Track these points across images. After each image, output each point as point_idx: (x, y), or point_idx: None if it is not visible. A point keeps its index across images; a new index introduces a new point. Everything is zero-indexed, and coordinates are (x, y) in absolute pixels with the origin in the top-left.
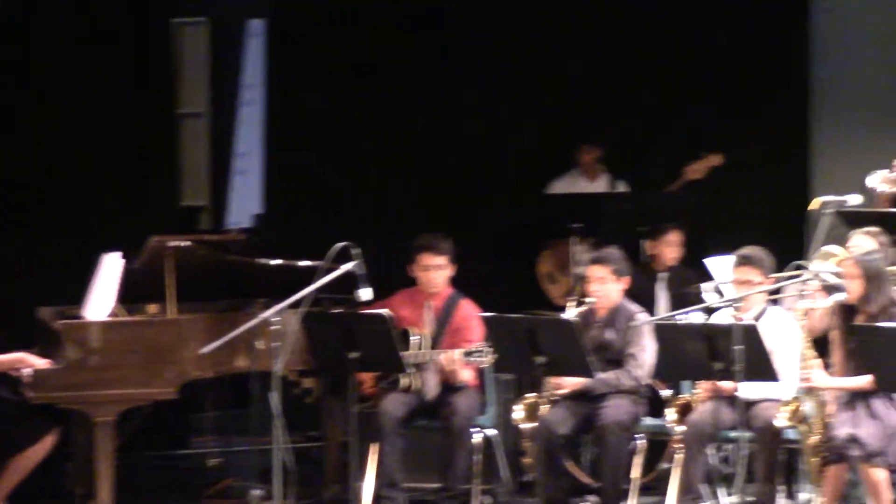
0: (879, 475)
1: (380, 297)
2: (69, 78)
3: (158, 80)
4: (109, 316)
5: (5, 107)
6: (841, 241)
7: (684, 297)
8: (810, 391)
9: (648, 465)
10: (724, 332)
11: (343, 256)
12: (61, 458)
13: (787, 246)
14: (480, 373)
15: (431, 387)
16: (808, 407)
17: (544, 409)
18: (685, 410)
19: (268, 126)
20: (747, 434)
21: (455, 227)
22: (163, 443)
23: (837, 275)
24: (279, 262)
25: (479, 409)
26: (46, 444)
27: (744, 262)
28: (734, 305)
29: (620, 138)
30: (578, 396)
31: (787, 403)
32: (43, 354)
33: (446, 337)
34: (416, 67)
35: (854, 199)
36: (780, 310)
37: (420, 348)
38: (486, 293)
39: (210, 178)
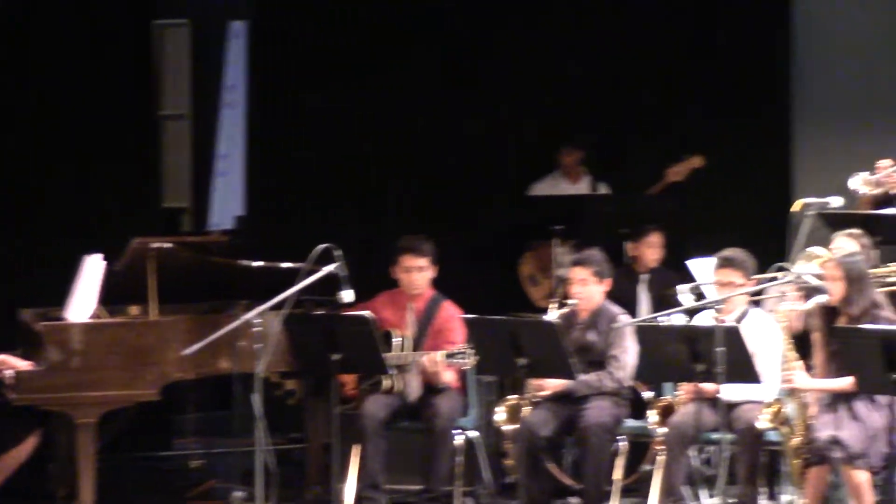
0: (861, 477)
1: (362, 299)
2: (51, 80)
3: (140, 82)
4: (91, 318)
5: None
6: (823, 242)
7: (666, 298)
8: (792, 393)
9: (630, 467)
10: (706, 333)
11: (325, 258)
12: (43, 460)
13: (769, 248)
14: (462, 374)
15: (413, 388)
16: (789, 409)
17: (526, 410)
18: (667, 412)
19: (249, 128)
20: (729, 436)
21: (437, 228)
22: (145, 444)
23: (819, 276)
24: (261, 263)
25: (461, 411)
26: (29, 445)
27: (725, 264)
28: (716, 307)
29: (602, 140)
30: (560, 398)
31: (769, 405)
32: (25, 356)
33: (428, 339)
34: (400, 69)
35: (836, 201)
36: (761, 312)
37: (402, 350)
38: (467, 295)
39: (192, 179)
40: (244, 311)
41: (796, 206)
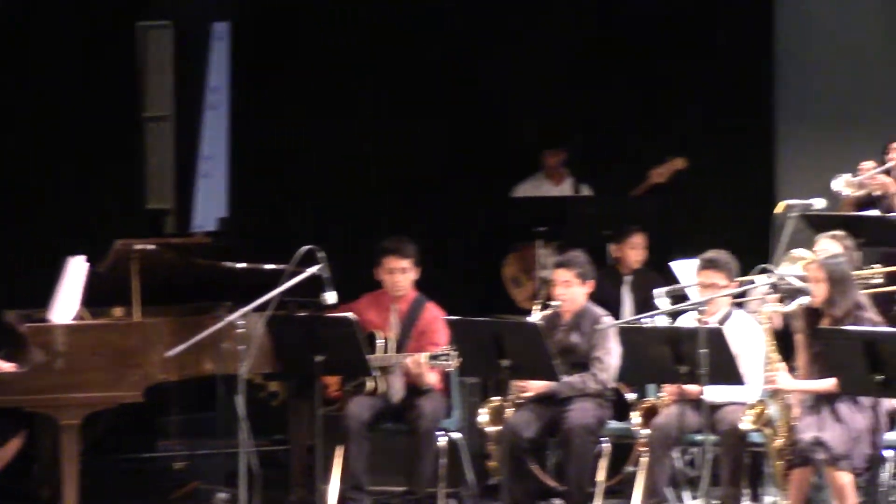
0: (844, 479)
1: (345, 301)
2: (34, 82)
3: (123, 84)
4: (75, 319)
5: None
6: (806, 244)
7: (649, 300)
8: (775, 394)
9: (614, 469)
10: (690, 335)
11: (308, 260)
12: (28, 461)
13: (753, 249)
14: (446, 376)
15: (397, 390)
16: (773, 410)
17: (509, 412)
18: (650, 414)
19: (233, 130)
20: (712, 437)
21: (420, 230)
22: (129, 446)
23: (802, 278)
24: (244, 265)
25: (444, 413)
26: (13, 446)
27: (708, 265)
28: (699, 309)
29: (585, 142)
30: (544, 400)
31: (752, 407)
32: (8, 358)
33: (412, 340)
34: (382, 70)
35: (819, 203)
36: (744, 313)
37: (386, 351)
38: (451, 296)
39: (175, 181)
40: (228, 312)
41: (779, 208)
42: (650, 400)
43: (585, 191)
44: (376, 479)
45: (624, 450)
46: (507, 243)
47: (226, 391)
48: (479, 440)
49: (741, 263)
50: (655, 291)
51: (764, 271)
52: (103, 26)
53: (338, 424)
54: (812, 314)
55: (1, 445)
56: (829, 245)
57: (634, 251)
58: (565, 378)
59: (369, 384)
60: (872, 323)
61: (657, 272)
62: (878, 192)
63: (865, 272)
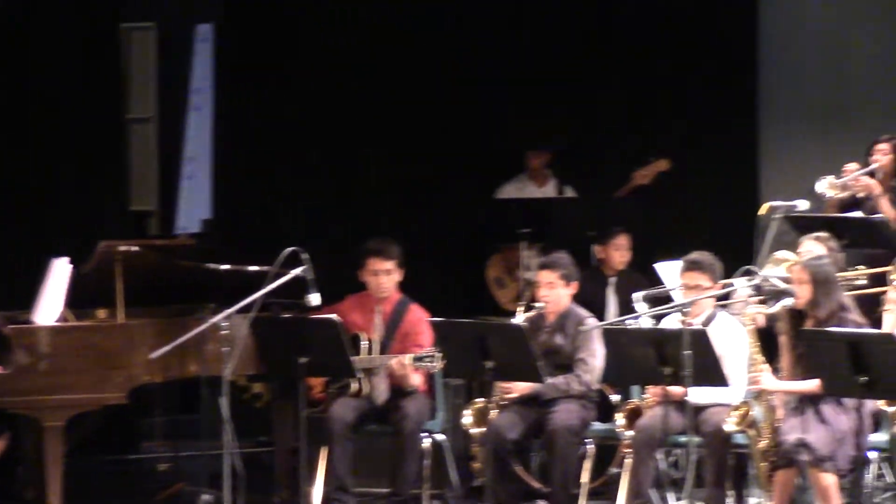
0: (828, 480)
1: (329, 303)
2: (17, 84)
3: (107, 86)
4: (59, 321)
5: None
6: (790, 246)
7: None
8: (759, 396)
9: (598, 470)
10: (674, 336)
11: (292, 261)
12: (12, 463)
13: (737, 251)
14: (430, 378)
15: (381, 391)
16: (757, 412)
17: (494, 413)
18: (634, 415)
19: (216, 131)
20: (696, 439)
21: (404, 231)
22: (113, 447)
23: (786, 280)
24: (228, 266)
25: (428, 414)
26: None
27: (692, 267)
28: (683, 311)
29: (568, 143)
30: (528, 401)
31: (736, 408)
32: None
33: (396, 342)
34: (365, 71)
35: (802, 205)
36: (728, 315)
37: (370, 353)
38: (434, 298)
39: (159, 182)
40: (211, 314)
41: (763, 210)
42: (634, 401)
43: (569, 192)
44: (360, 481)
45: (608, 451)
46: (491, 245)
47: (210, 393)
48: (463, 441)
49: (725, 265)
50: (634, 295)
51: (748, 273)
52: (86, 28)
53: (322, 426)
54: (796, 315)
55: None
56: (813, 246)
57: (619, 252)
58: (549, 380)
59: (353, 386)
60: (856, 324)
61: (641, 273)
62: (863, 194)
63: (849, 274)
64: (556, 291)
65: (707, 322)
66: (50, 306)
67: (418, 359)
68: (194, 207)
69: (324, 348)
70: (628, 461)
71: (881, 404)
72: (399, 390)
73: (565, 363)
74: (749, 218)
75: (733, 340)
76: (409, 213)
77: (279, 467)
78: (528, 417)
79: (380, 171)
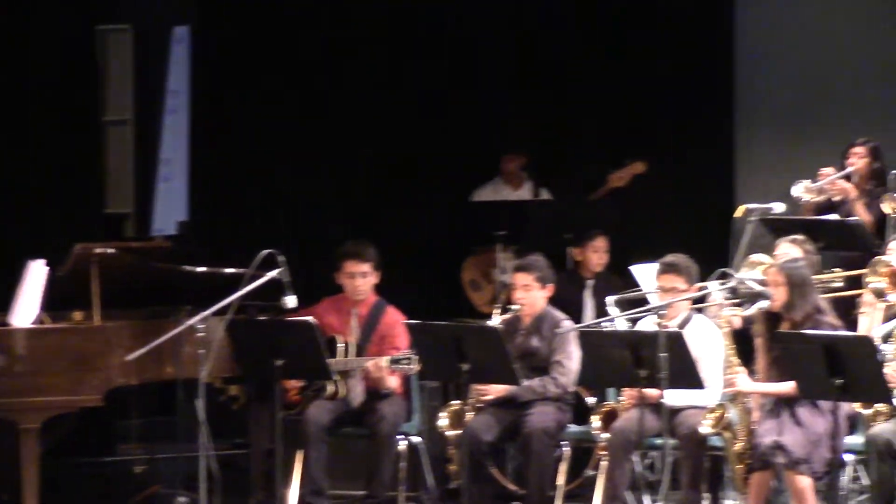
0: (804, 482)
1: (305, 305)
2: None
3: (83, 88)
4: (35, 323)
5: None
6: (765, 248)
7: None
8: (735, 398)
9: (574, 473)
10: (650, 339)
11: (268, 264)
12: None
13: (713, 253)
14: (406, 380)
15: (357, 394)
16: (732, 414)
17: (469, 416)
18: (610, 418)
19: (193, 133)
20: (672, 441)
21: (380, 234)
22: (89, 449)
23: (762, 282)
24: (204, 269)
25: (404, 417)
26: None
27: (668, 269)
28: (659, 313)
29: (543, 146)
30: (504, 404)
31: (711, 410)
32: None
33: (372, 344)
34: (340, 74)
35: (778, 207)
36: (704, 317)
37: (346, 356)
38: (410, 300)
39: (135, 185)
40: (187, 316)
41: (739, 212)
42: (610, 404)
43: (544, 195)
44: (336, 483)
45: (584, 453)
46: (466, 247)
47: (186, 395)
48: (439, 444)
49: (701, 267)
50: (608, 299)
51: (724, 275)
52: (63, 30)
53: (298, 428)
54: (771, 318)
55: None
56: (789, 249)
57: (597, 255)
58: (525, 382)
59: (329, 388)
60: (832, 327)
61: (618, 276)
62: (838, 198)
63: (825, 276)
64: (531, 294)
65: (683, 324)
66: (26, 308)
67: (395, 361)
68: (170, 210)
69: (300, 351)
70: (604, 463)
71: (857, 407)
72: (375, 392)
73: (541, 365)
74: (725, 220)
75: (709, 343)
76: (385, 215)
77: (255, 470)
78: (504, 420)
79: (355, 175)
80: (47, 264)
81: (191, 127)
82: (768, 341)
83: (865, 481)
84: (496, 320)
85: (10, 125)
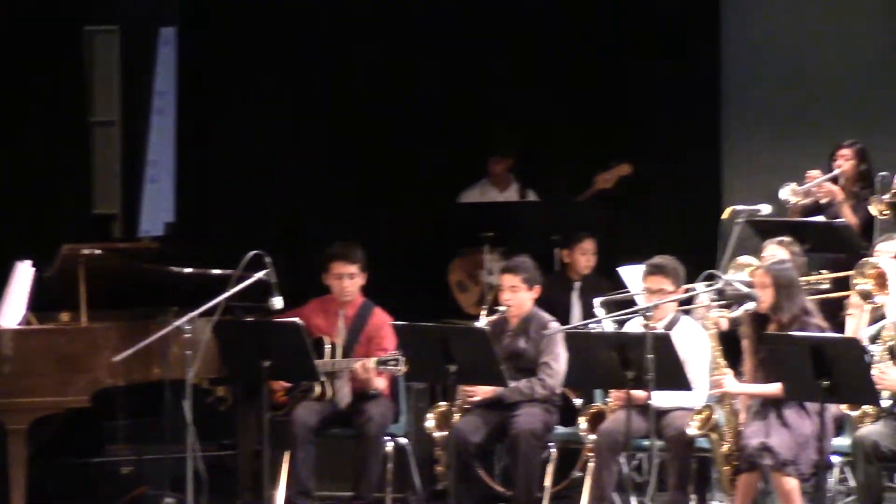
0: (791, 484)
1: (292, 306)
2: None
3: (70, 89)
4: (22, 324)
5: None
6: (753, 250)
7: None
8: (722, 400)
9: (561, 474)
10: (637, 340)
11: (255, 265)
12: None
13: (700, 255)
14: (393, 381)
15: (344, 395)
16: (719, 415)
17: (457, 417)
18: (597, 419)
19: (180, 134)
20: (659, 443)
21: (367, 235)
22: (76, 450)
23: (748, 284)
24: (191, 270)
25: (391, 418)
26: None
27: (655, 271)
28: (646, 314)
29: (529, 148)
30: (491, 405)
31: (698, 412)
32: None
33: (359, 345)
34: (328, 75)
35: (765, 209)
36: (691, 319)
37: (333, 357)
38: (397, 302)
39: (122, 186)
40: (174, 317)
41: (726, 214)
42: (597, 405)
43: (531, 196)
44: (323, 485)
45: (571, 455)
46: (453, 249)
47: (173, 396)
48: (426, 445)
49: (688, 269)
50: (594, 300)
51: (711, 277)
52: (50, 31)
53: (285, 429)
54: (758, 320)
55: None
56: (776, 251)
57: (585, 257)
58: (512, 383)
59: (316, 389)
60: (819, 329)
61: (605, 278)
62: (825, 200)
63: (812, 278)
64: (518, 295)
65: (670, 326)
66: (13, 309)
67: (382, 362)
68: (157, 211)
69: (287, 352)
70: (591, 465)
71: (844, 408)
72: (362, 394)
73: (528, 367)
74: (712, 222)
75: (696, 344)
76: (373, 217)
77: (242, 471)
78: (492, 421)
79: (343, 175)
80: (34, 265)
81: (178, 128)
82: (755, 343)
83: (852, 483)
84: (483, 321)
85: None
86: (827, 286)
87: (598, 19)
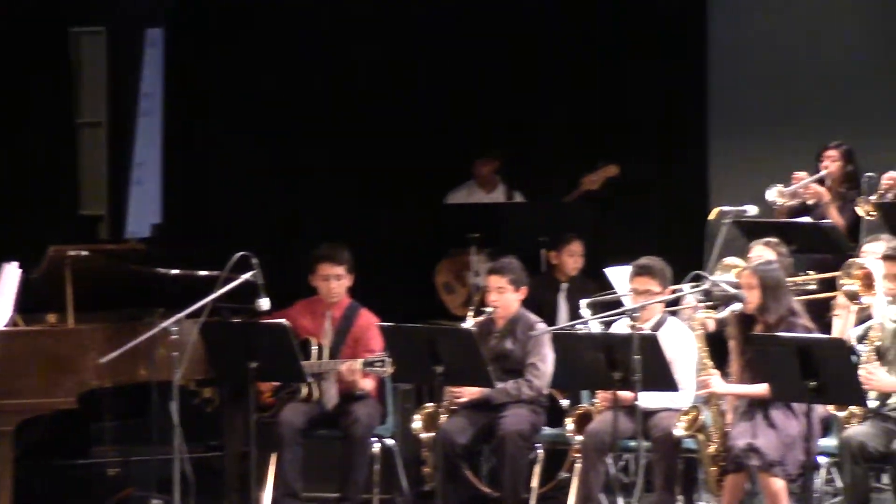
0: (778, 485)
1: (279, 307)
2: None
3: (57, 90)
4: (8, 326)
5: None
6: (739, 251)
7: None
8: (709, 400)
9: (548, 475)
10: (623, 341)
11: (242, 266)
12: None
13: (686, 256)
14: (380, 382)
15: (331, 396)
16: (706, 416)
17: (443, 418)
18: (584, 420)
19: (166, 136)
20: (646, 443)
21: (354, 236)
22: (63, 452)
23: (735, 285)
24: (178, 271)
25: (378, 419)
26: None
27: (642, 272)
28: (632, 315)
29: (515, 150)
30: (478, 406)
31: (685, 413)
32: None
33: (346, 347)
34: (315, 76)
35: (751, 210)
36: (677, 320)
37: (320, 358)
38: (384, 303)
39: (109, 187)
40: (161, 319)
41: (713, 215)
42: (584, 406)
43: (518, 198)
44: (310, 486)
45: (558, 456)
46: (440, 250)
47: (160, 397)
48: (413, 446)
49: (675, 270)
50: (581, 302)
51: (697, 278)
52: (37, 32)
53: (272, 431)
54: (745, 320)
55: None
56: (763, 251)
57: (573, 258)
58: (499, 384)
59: (303, 391)
60: (805, 329)
61: (592, 279)
62: (812, 201)
63: (799, 279)
64: (505, 296)
65: (657, 327)
66: None
67: (369, 364)
68: (144, 212)
69: (274, 353)
70: (578, 466)
71: (830, 409)
72: (349, 395)
73: (515, 368)
74: (699, 223)
75: (683, 345)
76: (359, 218)
77: (229, 472)
78: (478, 422)
79: (330, 177)
80: (21, 266)
81: (164, 129)
82: (742, 344)
83: (839, 483)
84: (470, 323)
85: None
86: (814, 287)
87: (586, 21)
